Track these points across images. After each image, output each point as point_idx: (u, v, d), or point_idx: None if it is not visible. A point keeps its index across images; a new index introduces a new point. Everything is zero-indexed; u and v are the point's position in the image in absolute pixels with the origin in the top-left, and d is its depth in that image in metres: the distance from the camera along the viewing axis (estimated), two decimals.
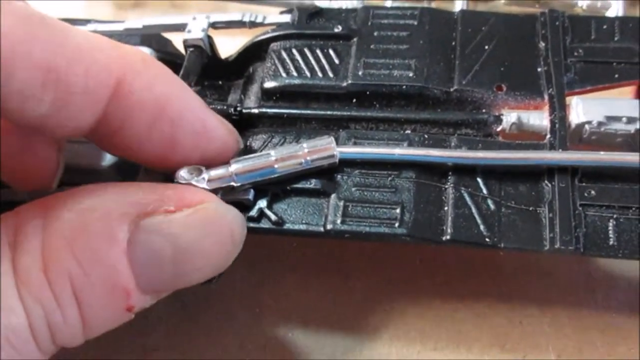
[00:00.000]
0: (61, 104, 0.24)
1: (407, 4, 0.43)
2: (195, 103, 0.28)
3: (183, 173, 0.28)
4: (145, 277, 0.25)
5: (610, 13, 0.42)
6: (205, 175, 0.28)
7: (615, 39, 0.34)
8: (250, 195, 0.29)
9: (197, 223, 0.26)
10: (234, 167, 0.29)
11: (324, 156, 0.29)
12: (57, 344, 0.24)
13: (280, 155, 0.29)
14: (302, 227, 0.29)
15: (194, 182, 0.28)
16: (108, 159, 0.33)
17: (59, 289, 0.23)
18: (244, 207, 0.29)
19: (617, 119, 0.31)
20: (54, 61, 0.23)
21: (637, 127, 0.31)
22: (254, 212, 0.29)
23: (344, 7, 0.43)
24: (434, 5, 0.44)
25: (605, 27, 0.34)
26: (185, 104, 0.28)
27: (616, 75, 0.33)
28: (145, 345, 0.34)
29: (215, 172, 0.28)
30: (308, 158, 0.29)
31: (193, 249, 0.26)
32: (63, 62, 0.23)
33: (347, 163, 0.30)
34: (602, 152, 0.30)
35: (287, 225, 0.29)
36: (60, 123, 0.25)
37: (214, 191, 0.28)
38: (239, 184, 0.29)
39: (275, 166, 0.29)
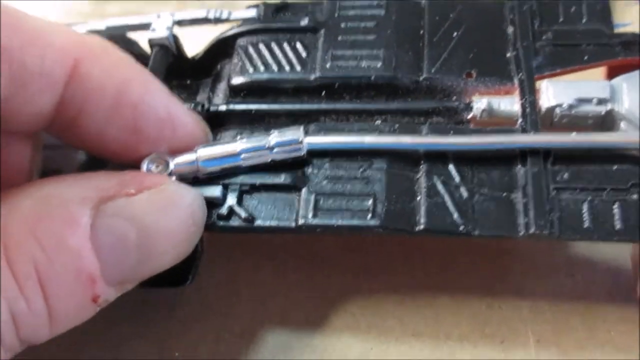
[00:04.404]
0: (18, 85, 0.24)
1: None
2: (158, 89, 0.28)
3: (149, 164, 0.28)
4: (110, 263, 0.24)
5: None
6: (171, 166, 0.28)
7: (583, 20, 0.34)
8: (219, 191, 0.29)
9: (159, 204, 0.26)
10: (200, 152, 0.28)
11: (292, 145, 0.29)
12: (21, 338, 0.23)
13: (248, 143, 0.29)
14: (273, 223, 0.29)
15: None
16: (77, 161, 0.33)
17: (23, 277, 0.23)
18: (213, 205, 0.29)
19: (587, 100, 0.31)
20: (8, 42, 0.23)
21: (608, 108, 0.31)
22: (223, 210, 0.29)
23: None
24: None
25: (573, 9, 0.34)
26: (147, 89, 0.27)
27: (585, 57, 0.32)
28: (121, 335, 0.33)
29: (182, 158, 0.28)
30: (276, 149, 0.29)
31: (156, 231, 0.25)
32: (17, 43, 0.23)
33: (317, 155, 0.30)
34: (574, 133, 0.30)
35: (258, 222, 0.29)
36: (19, 108, 0.25)
37: None
38: (205, 172, 0.29)
39: (242, 155, 0.29)
